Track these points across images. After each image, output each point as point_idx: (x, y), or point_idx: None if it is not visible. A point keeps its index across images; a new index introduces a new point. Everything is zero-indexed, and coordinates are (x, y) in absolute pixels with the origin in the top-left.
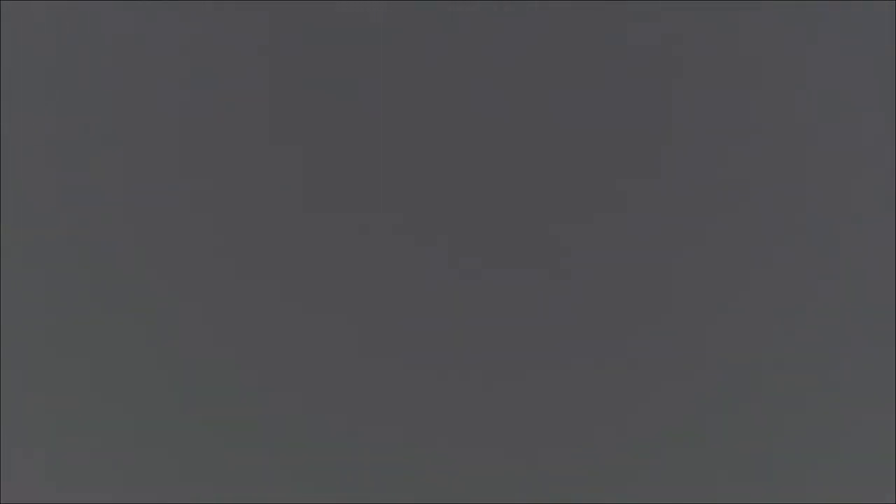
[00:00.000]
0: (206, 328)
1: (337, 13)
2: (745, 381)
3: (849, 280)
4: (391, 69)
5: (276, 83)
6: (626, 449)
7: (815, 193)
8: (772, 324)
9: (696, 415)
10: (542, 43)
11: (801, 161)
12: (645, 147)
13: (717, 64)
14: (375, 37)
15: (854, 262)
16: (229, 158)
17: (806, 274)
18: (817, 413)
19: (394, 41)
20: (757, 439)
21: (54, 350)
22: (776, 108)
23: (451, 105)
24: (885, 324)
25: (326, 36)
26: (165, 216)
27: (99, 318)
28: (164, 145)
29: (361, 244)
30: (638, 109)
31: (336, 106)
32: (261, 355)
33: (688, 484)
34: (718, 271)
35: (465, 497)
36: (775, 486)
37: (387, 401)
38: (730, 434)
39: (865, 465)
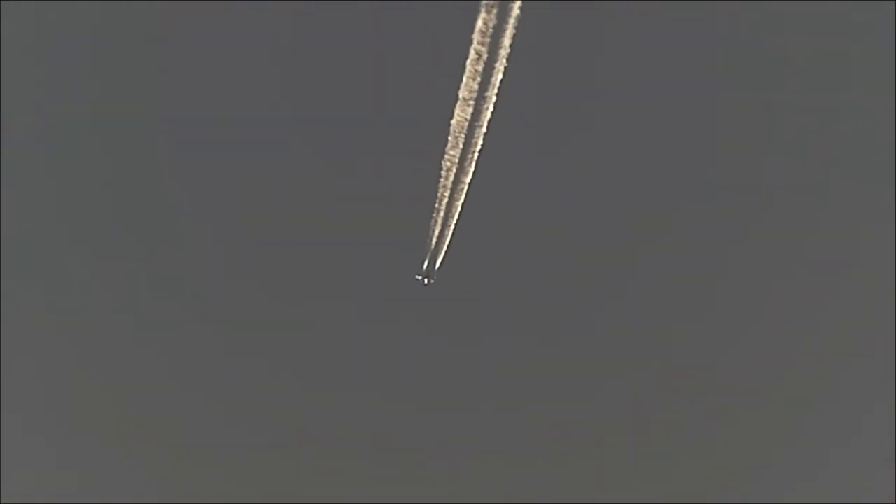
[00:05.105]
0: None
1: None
2: (745, 382)
3: (849, 282)
4: None
5: None
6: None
7: (816, 194)
8: (772, 326)
9: (699, 417)
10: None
11: (800, 161)
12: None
13: (715, 64)
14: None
15: (855, 264)
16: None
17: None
18: (818, 414)
19: None
20: (757, 441)
21: (54, 351)
22: (776, 109)
23: None
24: (885, 326)
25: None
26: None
27: (98, 318)
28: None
29: None
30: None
31: None
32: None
33: (691, 484)
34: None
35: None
36: (777, 486)
37: None
38: (730, 435)
39: (865, 466)
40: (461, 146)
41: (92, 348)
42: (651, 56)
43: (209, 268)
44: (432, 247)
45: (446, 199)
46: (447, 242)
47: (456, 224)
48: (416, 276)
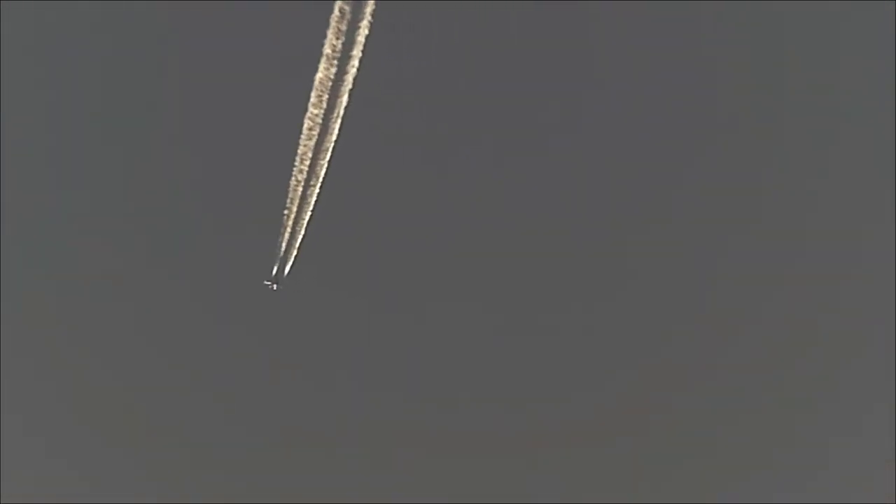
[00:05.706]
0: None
1: None
2: (745, 382)
3: (850, 284)
4: None
5: None
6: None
7: (816, 194)
8: (772, 326)
9: (703, 417)
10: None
11: (800, 161)
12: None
13: (718, 65)
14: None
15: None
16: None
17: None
18: (818, 414)
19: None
20: (757, 441)
21: (54, 351)
22: (776, 109)
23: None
24: (885, 326)
25: None
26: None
27: (99, 319)
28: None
29: None
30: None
31: None
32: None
33: (691, 484)
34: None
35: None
36: (777, 486)
37: None
38: (730, 435)
39: (865, 466)
40: (325, 105)
41: (92, 348)
42: (645, 53)
43: (209, 267)
44: (286, 235)
45: (305, 169)
46: (304, 227)
47: (314, 206)
48: (266, 282)
